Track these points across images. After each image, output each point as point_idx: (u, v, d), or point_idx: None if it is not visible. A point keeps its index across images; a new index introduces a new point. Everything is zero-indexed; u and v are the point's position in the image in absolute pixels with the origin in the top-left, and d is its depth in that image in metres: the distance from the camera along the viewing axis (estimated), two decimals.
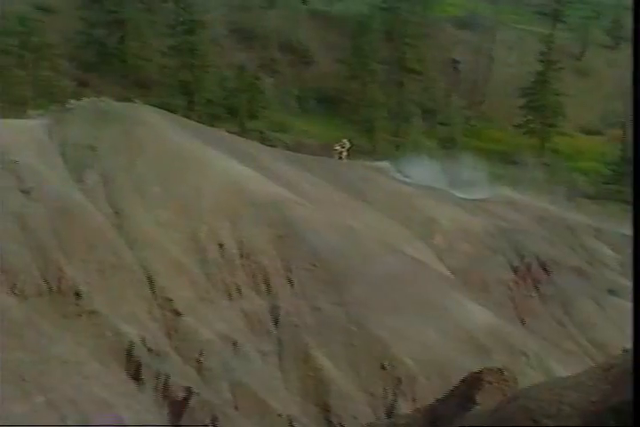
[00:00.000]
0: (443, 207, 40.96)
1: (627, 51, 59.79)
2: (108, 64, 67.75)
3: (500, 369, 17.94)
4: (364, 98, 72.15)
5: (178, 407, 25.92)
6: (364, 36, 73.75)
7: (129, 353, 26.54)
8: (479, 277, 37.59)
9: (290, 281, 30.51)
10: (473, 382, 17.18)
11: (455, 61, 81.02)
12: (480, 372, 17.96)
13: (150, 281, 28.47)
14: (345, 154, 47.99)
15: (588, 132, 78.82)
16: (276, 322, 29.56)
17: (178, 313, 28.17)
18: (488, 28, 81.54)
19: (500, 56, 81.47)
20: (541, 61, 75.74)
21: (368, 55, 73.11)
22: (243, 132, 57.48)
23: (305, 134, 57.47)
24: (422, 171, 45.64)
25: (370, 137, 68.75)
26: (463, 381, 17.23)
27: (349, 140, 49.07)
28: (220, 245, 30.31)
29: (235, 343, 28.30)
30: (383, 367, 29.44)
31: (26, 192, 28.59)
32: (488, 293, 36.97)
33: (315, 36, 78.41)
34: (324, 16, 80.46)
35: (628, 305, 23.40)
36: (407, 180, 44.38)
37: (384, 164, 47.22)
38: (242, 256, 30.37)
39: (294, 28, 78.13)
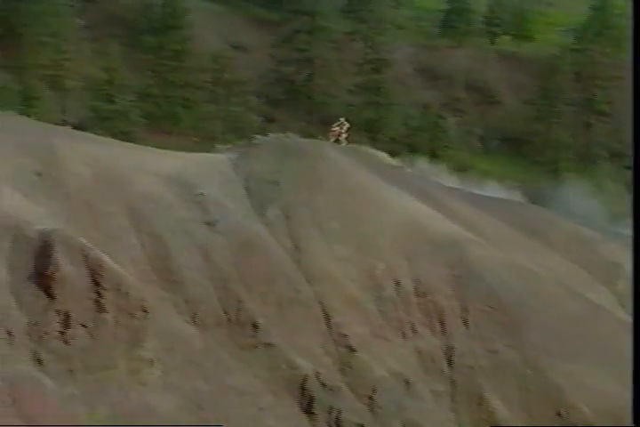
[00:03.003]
0: (627, 252, 39.80)
1: None
2: (295, 101, 69.15)
3: None
4: (550, 139, 71.24)
5: None
6: (552, 77, 72.96)
7: (302, 387, 26.75)
8: None
9: (465, 322, 30.19)
10: None
11: None
12: None
13: (326, 316, 28.66)
14: (344, 136, 41.29)
15: None
16: (450, 362, 29.28)
17: (352, 349, 28.23)
18: None
19: None
20: None
21: (556, 96, 72.26)
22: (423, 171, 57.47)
23: (486, 174, 57.04)
24: (606, 214, 44.57)
25: (554, 178, 67.68)
26: None
27: (347, 119, 42.30)
28: (397, 283, 30.28)
29: (407, 382, 28.16)
30: (559, 414, 28.79)
31: (210, 224, 29.30)
32: None
33: (502, 76, 77.98)
34: (512, 56, 79.93)
35: None
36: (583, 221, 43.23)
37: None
38: (418, 295, 30.25)
39: (481, 67, 77.89)
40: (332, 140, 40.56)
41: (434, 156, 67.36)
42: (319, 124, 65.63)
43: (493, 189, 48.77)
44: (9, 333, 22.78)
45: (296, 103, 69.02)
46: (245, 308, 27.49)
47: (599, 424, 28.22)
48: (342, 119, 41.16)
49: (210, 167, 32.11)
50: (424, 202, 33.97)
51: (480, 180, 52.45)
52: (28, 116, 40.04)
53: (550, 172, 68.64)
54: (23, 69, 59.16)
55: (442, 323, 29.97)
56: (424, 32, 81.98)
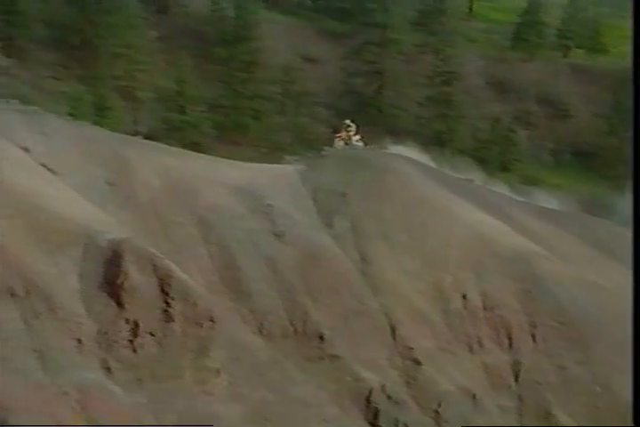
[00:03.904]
0: None
1: None
2: (364, 113, 68.89)
3: None
4: (622, 154, 70.24)
5: None
6: (626, 90, 72.06)
7: (368, 399, 26.71)
8: None
9: (533, 337, 29.95)
10: None
11: None
12: None
13: (392, 328, 28.62)
14: (355, 138, 38.68)
15: None
16: (517, 378, 29.06)
17: (418, 362, 28.15)
18: None
19: None
20: None
21: (629, 110, 71.28)
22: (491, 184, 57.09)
23: (556, 188, 56.53)
24: None
25: (623, 194, 66.82)
26: None
27: (352, 121, 39.92)
28: (464, 297, 30.13)
29: (474, 396, 27.99)
30: None
31: (278, 235, 29.43)
32: None
33: (574, 89, 77.21)
34: (585, 70, 79.08)
35: None
36: None
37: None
38: (485, 309, 30.08)
39: (553, 81, 77.17)
40: (341, 143, 38.84)
41: (504, 169, 66.89)
42: (387, 136, 65.62)
43: (560, 203, 48.40)
44: (79, 341, 23.08)
45: (365, 115, 68.73)
46: (311, 319, 27.56)
47: None
48: (347, 121, 40.20)
49: (278, 178, 32.27)
50: (492, 215, 33.78)
51: (547, 193, 51.92)
52: (102, 126, 40.60)
53: (621, 187, 67.72)
54: (97, 80, 59.95)
55: (509, 338, 29.76)
56: (495, 45, 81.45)
